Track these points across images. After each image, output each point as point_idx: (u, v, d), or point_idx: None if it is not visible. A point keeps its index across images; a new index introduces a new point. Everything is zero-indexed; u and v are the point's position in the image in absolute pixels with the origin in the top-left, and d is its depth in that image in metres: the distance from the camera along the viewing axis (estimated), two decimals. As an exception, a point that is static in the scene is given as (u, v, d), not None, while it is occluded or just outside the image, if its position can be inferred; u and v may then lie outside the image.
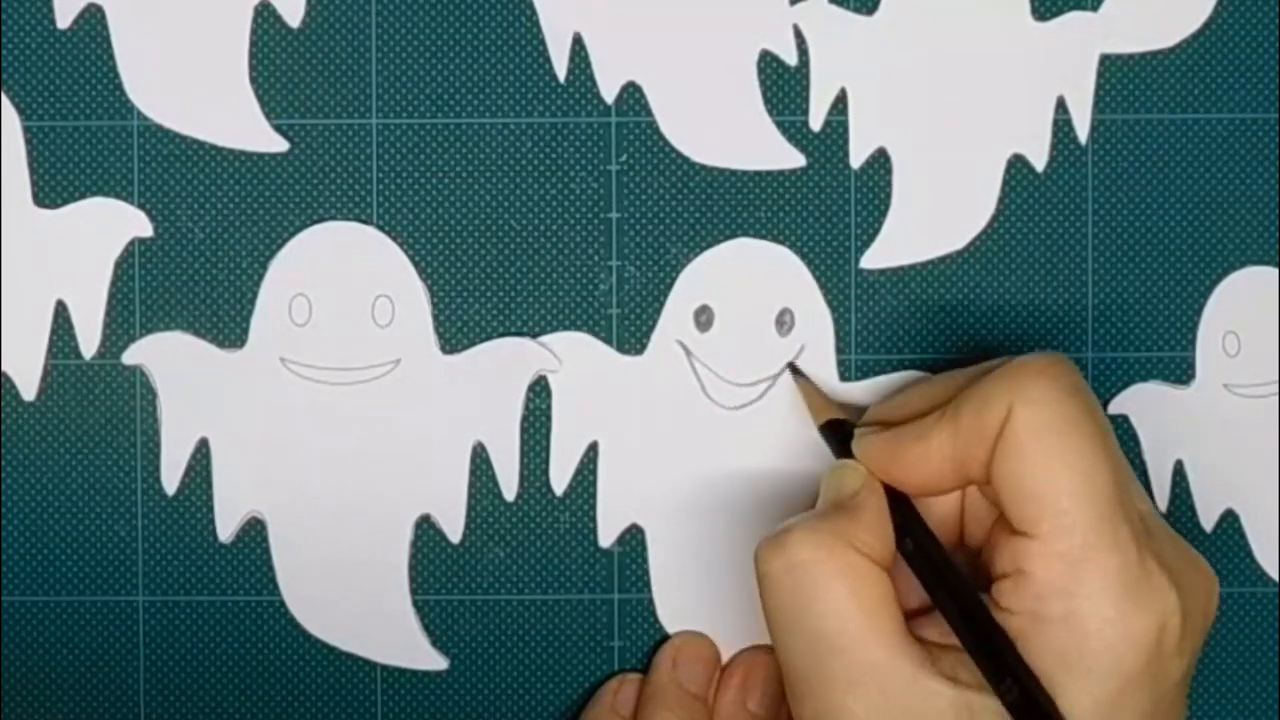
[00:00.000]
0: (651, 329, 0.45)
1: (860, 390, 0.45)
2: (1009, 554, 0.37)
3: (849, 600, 0.37)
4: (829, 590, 0.37)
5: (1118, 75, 0.45)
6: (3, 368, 0.44)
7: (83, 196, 0.45)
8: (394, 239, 0.45)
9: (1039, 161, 0.45)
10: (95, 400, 0.45)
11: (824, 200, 0.45)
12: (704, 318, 0.45)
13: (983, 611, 0.37)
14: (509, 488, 0.45)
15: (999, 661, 0.36)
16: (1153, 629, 0.36)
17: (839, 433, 0.41)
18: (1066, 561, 0.36)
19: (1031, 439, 0.37)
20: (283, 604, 0.45)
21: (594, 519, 0.45)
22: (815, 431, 0.43)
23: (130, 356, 0.45)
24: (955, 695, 0.36)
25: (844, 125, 0.45)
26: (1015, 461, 0.37)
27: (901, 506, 0.39)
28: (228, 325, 0.45)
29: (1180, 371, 0.45)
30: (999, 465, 0.37)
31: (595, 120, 0.45)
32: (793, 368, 0.44)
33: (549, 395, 0.45)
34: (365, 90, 0.45)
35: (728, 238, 0.45)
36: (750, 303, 0.45)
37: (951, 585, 0.38)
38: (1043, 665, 0.36)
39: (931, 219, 0.45)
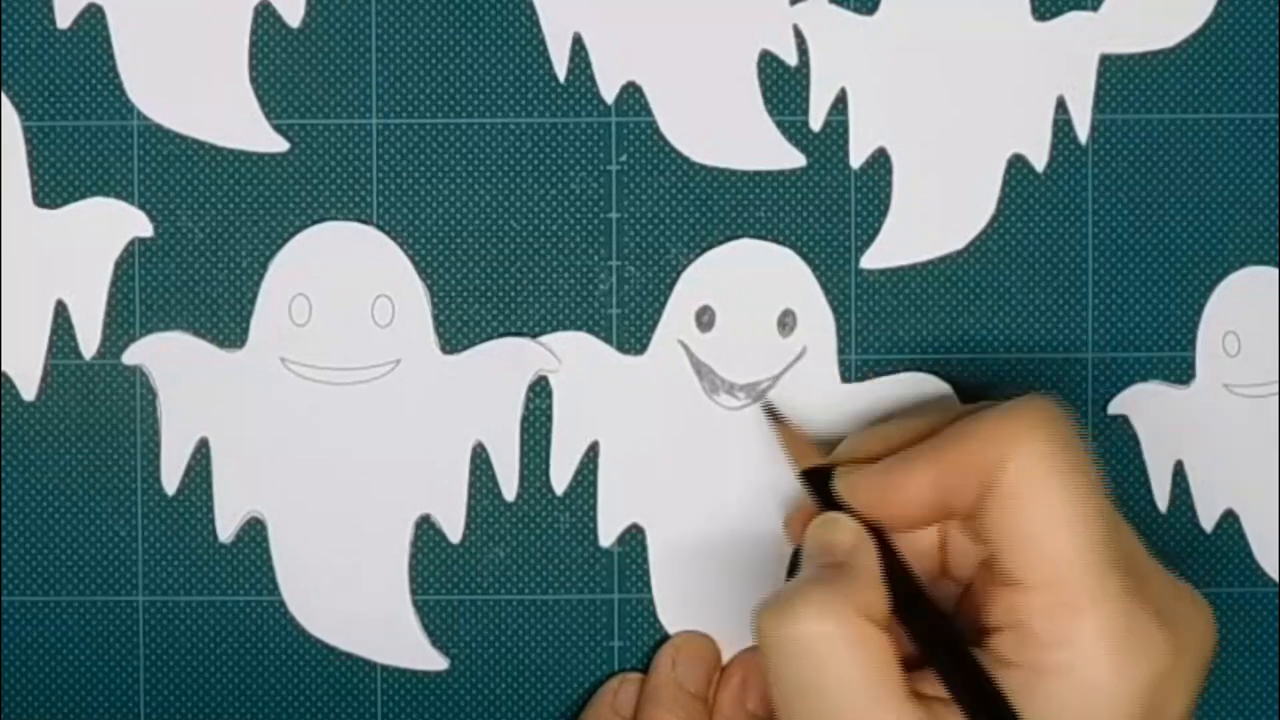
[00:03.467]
0: (652, 329, 0.45)
1: (860, 390, 0.45)
2: (1005, 607, 0.37)
3: (856, 670, 0.37)
4: (838, 661, 0.37)
5: (1118, 75, 0.45)
6: (3, 368, 0.44)
7: (83, 196, 0.45)
8: (394, 239, 0.45)
9: (1039, 161, 0.45)
10: (95, 400, 0.45)
11: (824, 200, 0.45)
12: (705, 318, 0.45)
13: (976, 667, 0.37)
14: (509, 488, 0.45)
15: (994, 717, 0.36)
16: (1150, 674, 0.36)
17: (819, 478, 0.41)
18: (1063, 613, 0.36)
19: (1026, 489, 0.37)
20: (283, 604, 0.45)
21: (594, 519, 0.45)
22: (816, 431, 0.43)
23: (130, 356, 0.45)
24: None
25: (844, 125, 0.45)
26: (1010, 512, 0.37)
27: (890, 559, 0.39)
28: (228, 325, 0.45)
29: (1180, 371, 0.45)
30: (991, 512, 0.37)
31: (595, 120, 0.45)
32: (769, 410, 0.44)
33: (549, 395, 0.45)
34: (365, 90, 0.45)
35: (727, 238, 0.45)
36: (752, 303, 0.45)
37: (943, 639, 0.38)
38: (1043, 717, 0.36)
39: (931, 219, 0.45)
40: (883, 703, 0.36)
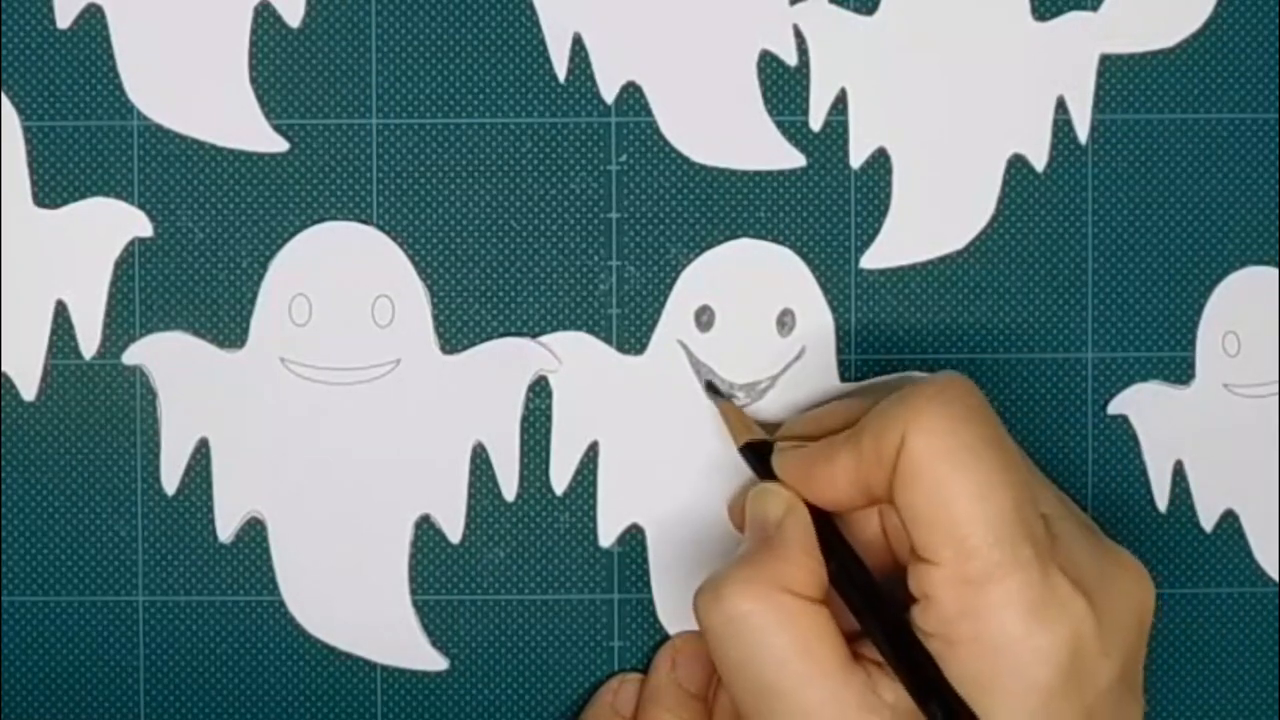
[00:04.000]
0: (652, 329, 0.45)
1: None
2: (916, 579, 0.37)
3: (788, 647, 0.37)
4: (767, 639, 0.37)
5: (1118, 75, 0.45)
6: (3, 368, 0.44)
7: (83, 196, 0.45)
8: (394, 239, 0.45)
9: (1039, 161, 0.45)
10: (95, 400, 0.45)
11: (824, 200, 0.45)
12: (705, 318, 0.45)
13: (907, 635, 0.37)
14: (509, 488, 0.45)
15: (925, 684, 0.37)
16: (1063, 641, 0.36)
17: (760, 453, 0.41)
18: (969, 585, 0.36)
19: (925, 468, 0.37)
20: (282, 604, 0.45)
21: (594, 519, 0.45)
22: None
23: (130, 356, 0.45)
24: None
25: (844, 125, 0.45)
26: (912, 490, 0.37)
27: (825, 528, 0.39)
28: (228, 325, 0.45)
29: (1180, 371, 0.45)
30: (898, 493, 0.37)
31: (595, 120, 0.45)
32: (709, 387, 0.44)
33: (549, 395, 0.45)
34: (365, 90, 0.45)
35: (727, 238, 0.45)
36: (751, 303, 0.45)
37: (876, 609, 0.38)
38: (961, 687, 0.36)
39: (931, 219, 0.45)
40: (818, 673, 0.37)
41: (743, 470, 0.43)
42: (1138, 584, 0.38)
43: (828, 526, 0.39)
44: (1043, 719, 0.36)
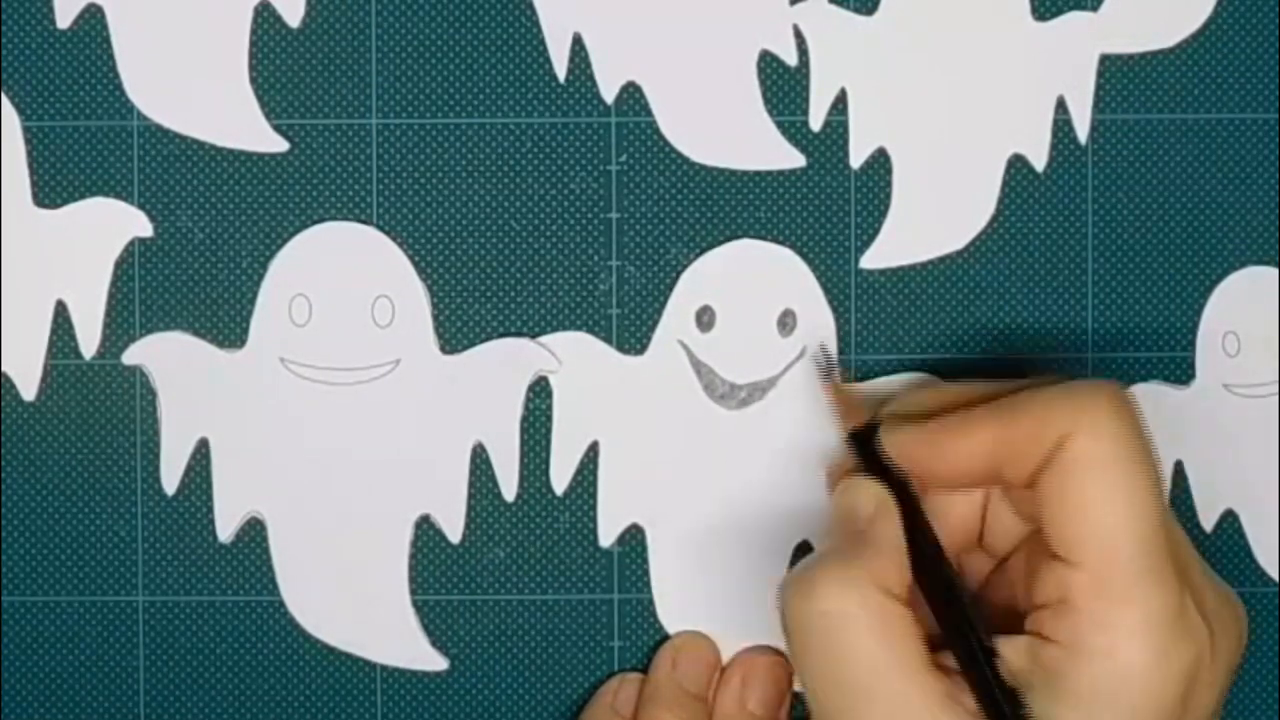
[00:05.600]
0: (652, 329, 0.45)
1: (861, 391, 0.45)
2: (1053, 581, 0.37)
3: (879, 647, 0.37)
4: (860, 638, 0.37)
5: (1118, 75, 0.45)
6: (3, 368, 0.44)
7: (83, 196, 0.45)
8: (394, 239, 0.45)
9: (1039, 161, 0.45)
10: (95, 400, 0.45)
11: (824, 200, 0.45)
12: (706, 318, 0.45)
13: (985, 651, 0.37)
14: (509, 488, 0.45)
15: (1000, 706, 0.37)
16: (1188, 665, 0.36)
17: (863, 439, 0.41)
18: (1110, 595, 0.36)
19: (1093, 468, 0.37)
20: (282, 604, 0.45)
21: (594, 519, 0.45)
22: (817, 431, 0.43)
23: (130, 356, 0.45)
24: None
25: (844, 125, 0.45)
26: (1070, 486, 0.37)
27: (915, 525, 0.39)
28: (228, 325, 0.45)
29: (1180, 371, 0.45)
30: (1050, 483, 0.37)
31: (595, 120, 0.45)
32: (821, 362, 0.44)
33: (549, 395, 0.45)
34: (365, 90, 0.45)
35: (727, 238, 0.45)
36: (752, 303, 0.45)
37: (957, 620, 0.38)
38: (1076, 699, 0.36)
39: (931, 219, 0.45)
40: (907, 674, 0.37)
41: (741, 471, 0.44)
42: (1240, 622, 0.38)
43: (917, 521, 0.39)
44: None
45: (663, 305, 0.45)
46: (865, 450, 0.40)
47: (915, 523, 0.39)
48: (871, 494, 0.39)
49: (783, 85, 0.45)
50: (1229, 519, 0.45)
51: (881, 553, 0.38)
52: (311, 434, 0.44)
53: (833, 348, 0.45)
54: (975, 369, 0.44)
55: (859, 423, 0.41)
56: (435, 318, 0.45)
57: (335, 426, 0.44)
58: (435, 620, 0.45)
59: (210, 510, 0.45)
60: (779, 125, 0.45)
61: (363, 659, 0.45)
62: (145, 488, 0.45)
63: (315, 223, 0.45)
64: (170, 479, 0.45)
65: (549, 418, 0.45)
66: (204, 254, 0.45)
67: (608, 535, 0.45)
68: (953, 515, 0.40)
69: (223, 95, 0.45)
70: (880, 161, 0.45)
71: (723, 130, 0.45)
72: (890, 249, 0.45)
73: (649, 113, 0.45)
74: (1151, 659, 0.36)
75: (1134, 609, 0.36)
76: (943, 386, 0.42)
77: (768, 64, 0.45)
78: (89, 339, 0.45)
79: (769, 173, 0.45)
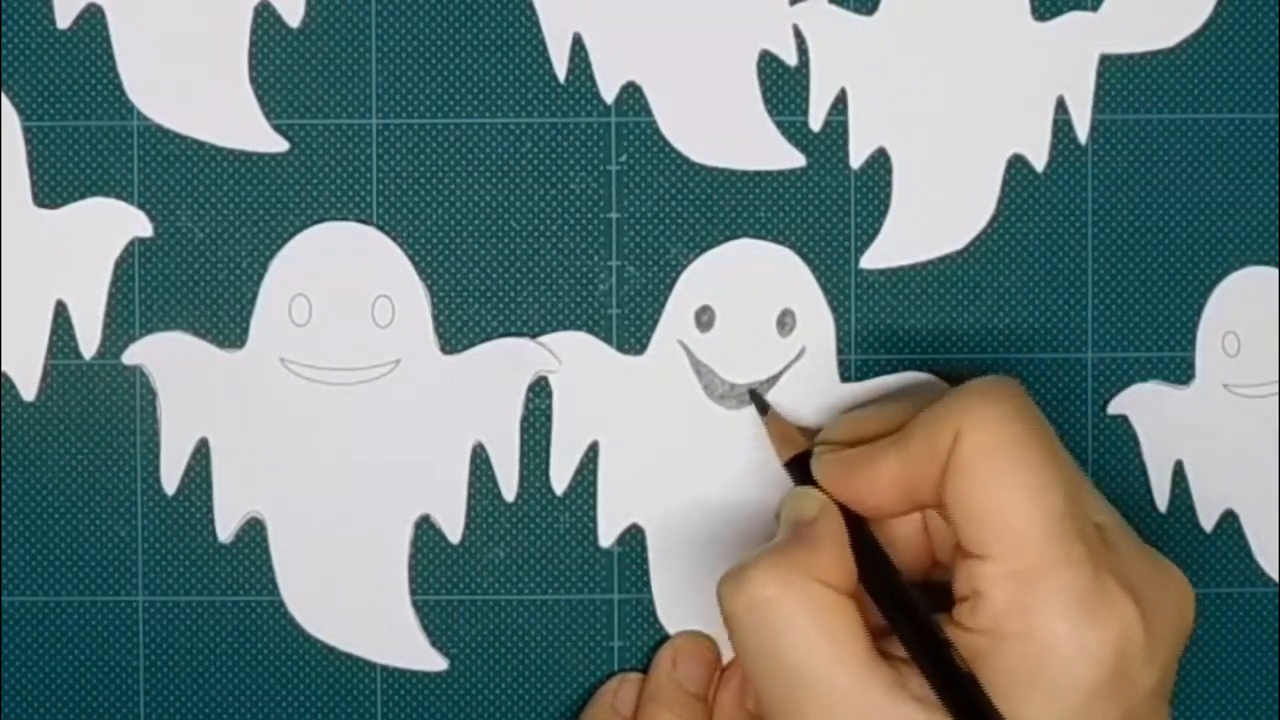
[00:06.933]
0: (652, 329, 0.45)
1: (861, 390, 0.45)
2: (965, 576, 0.37)
3: (814, 633, 0.37)
4: (793, 625, 0.37)
5: (1118, 75, 0.45)
6: (3, 368, 0.44)
7: (83, 196, 0.45)
8: (394, 239, 0.45)
9: (1039, 161, 0.45)
10: (95, 400, 0.45)
11: (824, 200, 0.45)
12: (705, 318, 0.45)
13: (937, 634, 0.37)
14: (509, 488, 0.45)
15: (953, 683, 0.37)
16: (1111, 642, 0.36)
17: (803, 464, 0.41)
18: (1020, 580, 0.36)
19: (979, 461, 0.37)
20: (282, 604, 0.45)
21: (594, 519, 0.45)
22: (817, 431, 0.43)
23: (130, 356, 0.45)
24: (926, 718, 0.36)
25: (844, 125, 0.45)
26: (964, 484, 0.37)
27: (859, 531, 0.39)
28: (228, 325, 0.45)
29: (1180, 371, 0.45)
30: (949, 488, 0.37)
31: (595, 120, 0.45)
32: (754, 397, 0.44)
33: (549, 395, 0.45)
34: (365, 90, 0.45)
35: (727, 238, 0.45)
36: (752, 303, 0.45)
37: (909, 615, 0.38)
38: (1004, 682, 0.36)
39: (931, 219, 0.45)
40: (842, 667, 0.37)
41: (740, 471, 0.44)
42: (1182, 596, 0.38)
43: (861, 529, 0.39)
44: (1082, 718, 0.36)
45: (662, 305, 0.45)
46: (804, 478, 0.41)
47: (860, 529, 0.39)
48: (814, 499, 0.40)
49: (783, 85, 0.45)
50: (1229, 519, 0.45)
51: (818, 547, 0.38)
52: (311, 434, 0.45)
53: (832, 347, 0.45)
54: (975, 369, 0.44)
55: (795, 450, 0.42)
56: (435, 318, 0.45)
57: (335, 426, 0.45)
58: (435, 620, 0.45)
59: (210, 510, 0.45)
60: (779, 125, 0.45)
61: (363, 659, 0.45)
62: (145, 488, 0.45)
63: (315, 223, 0.45)
64: (170, 479, 0.45)
65: (549, 418, 0.45)
66: (204, 254, 0.45)
67: (608, 535, 0.45)
68: (898, 541, 0.40)
69: (223, 95, 0.45)
70: (880, 161, 0.45)
71: (723, 130, 0.45)
72: (890, 249, 0.45)
73: (649, 113, 0.45)
74: (1068, 637, 0.36)
75: (1044, 590, 0.36)
76: (869, 410, 0.42)
77: (768, 64, 0.45)
78: (89, 339, 0.45)
79: (769, 173, 0.45)
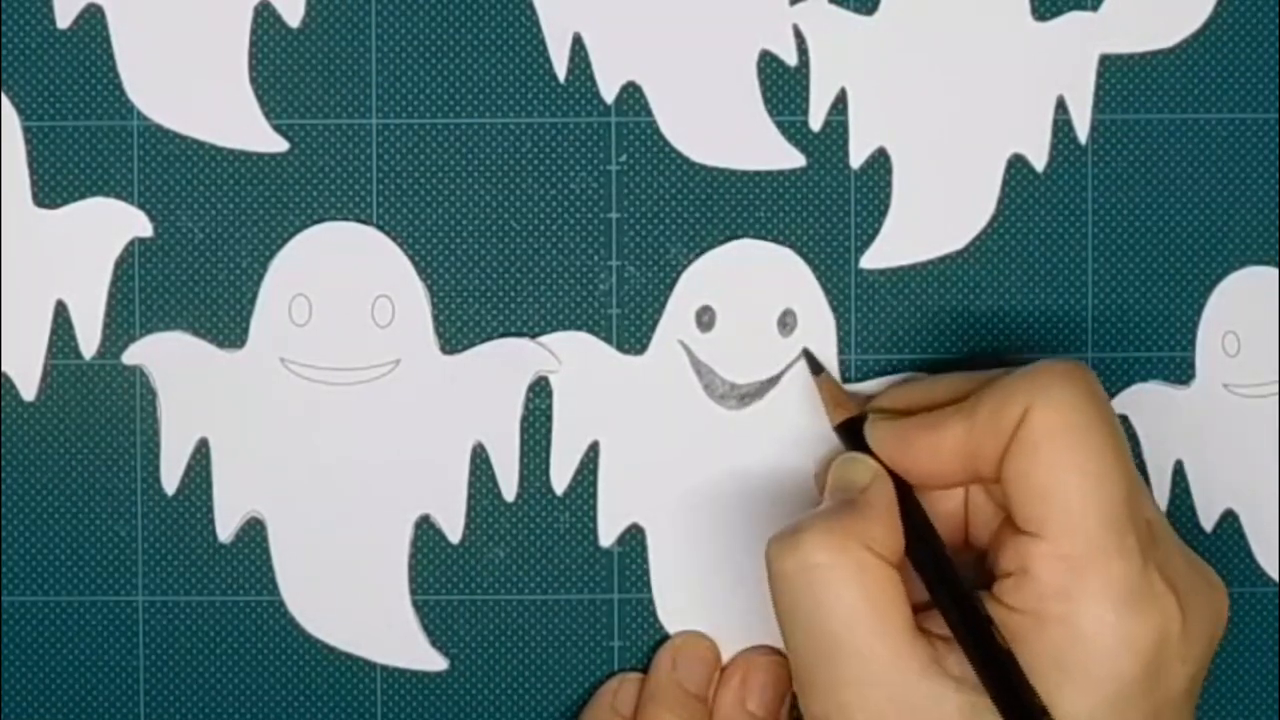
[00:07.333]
0: (652, 329, 0.45)
1: (860, 390, 0.45)
2: (1014, 552, 0.37)
3: (861, 603, 0.37)
4: (842, 593, 0.37)
5: (1118, 75, 0.45)
6: (3, 368, 0.44)
7: (83, 196, 0.45)
8: (394, 239, 0.45)
9: (1039, 161, 0.45)
10: (95, 400, 0.45)
11: (824, 200, 0.45)
12: (706, 318, 0.45)
13: (979, 611, 0.37)
14: (509, 488, 0.45)
15: (992, 661, 0.37)
16: (1152, 635, 0.36)
17: (853, 429, 0.41)
18: (1069, 563, 0.36)
19: (1046, 439, 0.37)
20: (282, 604, 0.45)
21: (594, 519, 0.45)
22: (817, 431, 0.43)
23: (130, 356, 0.45)
24: (961, 699, 0.37)
25: (844, 125, 0.45)
26: (1028, 460, 0.37)
27: (908, 502, 0.39)
28: (228, 325, 0.45)
29: (1180, 371, 0.45)
30: (1011, 462, 0.37)
31: (595, 120, 0.45)
32: (809, 358, 0.44)
33: (549, 395, 0.45)
34: (365, 90, 0.45)
35: (727, 238, 0.45)
36: (752, 303, 0.45)
37: (952, 589, 0.38)
38: (1041, 665, 0.36)
39: (931, 219, 0.45)
40: (884, 639, 0.37)
41: (741, 471, 0.43)
42: (1219, 600, 0.38)
43: (909, 500, 0.39)
44: (1115, 711, 0.36)
45: (663, 305, 0.45)
46: (855, 442, 0.41)
47: (908, 500, 0.39)
48: (868, 466, 0.40)
49: (783, 85, 0.45)
50: (1229, 519, 0.45)
51: (872, 515, 0.38)
52: (311, 434, 0.44)
53: (833, 348, 0.45)
54: (975, 369, 0.44)
55: (848, 415, 0.42)
56: (435, 318, 0.45)
57: (335, 426, 0.44)
58: (435, 620, 0.45)
59: (210, 510, 0.45)
60: (779, 125, 0.45)
61: (363, 659, 0.45)
62: (145, 488, 0.45)
63: (315, 223, 0.45)
64: (170, 479, 0.45)
65: (549, 418, 0.45)
66: (204, 254, 0.45)
67: (608, 535, 0.45)
68: (938, 516, 0.40)
69: (223, 95, 0.45)
70: (880, 161, 0.45)
71: (723, 130, 0.45)
72: (890, 249, 0.45)
73: (649, 113, 0.45)
74: (1110, 627, 0.36)
75: (1093, 577, 0.36)
76: (928, 381, 0.42)
77: (768, 64, 0.45)
78: (89, 339, 0.45)
79: (769, 173, 0.45)
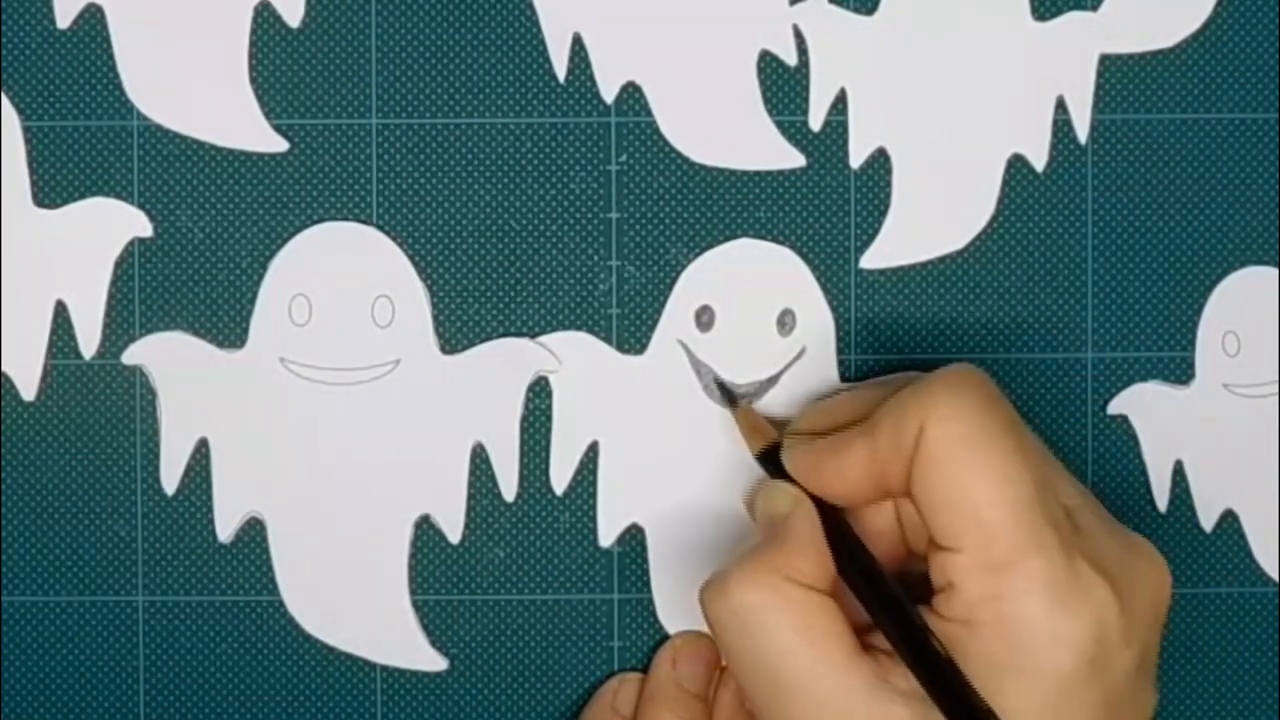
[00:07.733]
0: (652, 329, 0.45)
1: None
2: (938, 568, 0.37)
3: (794, 636, 0.37)
4: (774, 630, 0.37)
5: (1118, 75, 0.45)
6: (3, 368, 0.44)
7: (83, 196, 0.45)
8: (394, 239, 0.45)
9: (1039, 161, 0.45)
10: (95, 400, 0.45)
11: (824, 200, 0.45)
12: (705, 318, 0.45)
13: (917, 624, 0.37)
14: (509, 488, 0.45)
15: (936, 671, 0.37)
16: (1088, 629, 0.36)
17: (775, 456, 0.41)
18: (991, 570, 0.36)
19: (945, 453, 0.37)
20: (282, 604, 0.45)
21: (594, 519, 0.45)
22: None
23: (130, 356, 0.45)
24: (909, 711, 0.37)
25: (844, 125, 0.45)
26: (931, 477, 0.37)
27: (835, 523, 0.39)
28: (228, 325, 0.45)
29: (1180, 371, 0.45)
30: (916, 482, 0.37)
31: (595, 120, 0.45)
32: (720, 389, 0.44)
33: (549, 395, 0.45)
34: (365, 90, 0.45)
35: (727, 238, 0.45)
36: (752, 303, 0.45)
37: (885, 598, 0.38)
38: (981, 670, 0.36)
39: (931, 219, 0.45)
40: (824, 667, 0.37)
41: (741, 468, 0.43)
42: (1157, 572, 0.38)
43: (836, 520, 0.39)
44: (1062, 706, 0.36)
45: (662, 305, 0.45)
46: (778, 470, 0.41)
47: (835, 521, 0.39)
48: (787, 494, 0.40)
49: (783, 85, 0.45)
50: (1229, 519, 0.45)
51: (794, 547, 0.38)
52: (311, 434, 0.45)
53: (832, 347, 0.45)
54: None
55: (765, 442, 0.42)
56: (435, 318, 0.45)
57: (335, 426, 0.45)
58: (435, 620, 0.45)
59: (210, 510, 0.45)
60: (779, 125, 0.45)
61: (363, 659, 0.45)
62: (145, 488, 0.45)
63: (315, 223, 0.45)
64: (170, 479, 0.45)
65: (549, 418, 0.45)
66: (204, 254, 0.45)
67: (608, 535, 0.45)
68: (873, 532, 0.40)
69: (223, 95, 0.45)
70: (880, 161, 0.45)
71: (723, 130, 0.45)
72: (890, 249, 0.45)
73: (649, 113, 0.45)
74: (1041, 626, 0.36)
75: (1016, 579, 0.36)
76: (836, 399, 0.42)
77: (768, 64, 0.45)
78: (89, 339, 0.45)
79: (769, 173, 0.45)
